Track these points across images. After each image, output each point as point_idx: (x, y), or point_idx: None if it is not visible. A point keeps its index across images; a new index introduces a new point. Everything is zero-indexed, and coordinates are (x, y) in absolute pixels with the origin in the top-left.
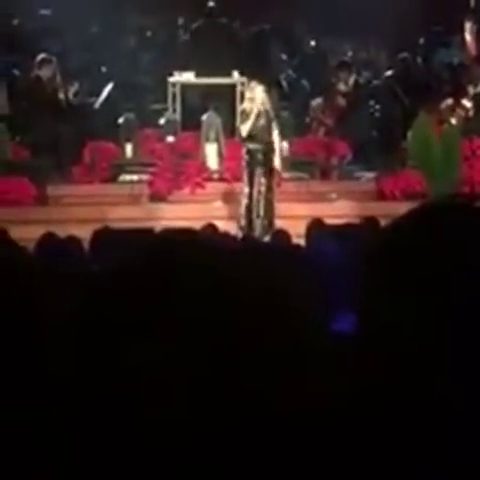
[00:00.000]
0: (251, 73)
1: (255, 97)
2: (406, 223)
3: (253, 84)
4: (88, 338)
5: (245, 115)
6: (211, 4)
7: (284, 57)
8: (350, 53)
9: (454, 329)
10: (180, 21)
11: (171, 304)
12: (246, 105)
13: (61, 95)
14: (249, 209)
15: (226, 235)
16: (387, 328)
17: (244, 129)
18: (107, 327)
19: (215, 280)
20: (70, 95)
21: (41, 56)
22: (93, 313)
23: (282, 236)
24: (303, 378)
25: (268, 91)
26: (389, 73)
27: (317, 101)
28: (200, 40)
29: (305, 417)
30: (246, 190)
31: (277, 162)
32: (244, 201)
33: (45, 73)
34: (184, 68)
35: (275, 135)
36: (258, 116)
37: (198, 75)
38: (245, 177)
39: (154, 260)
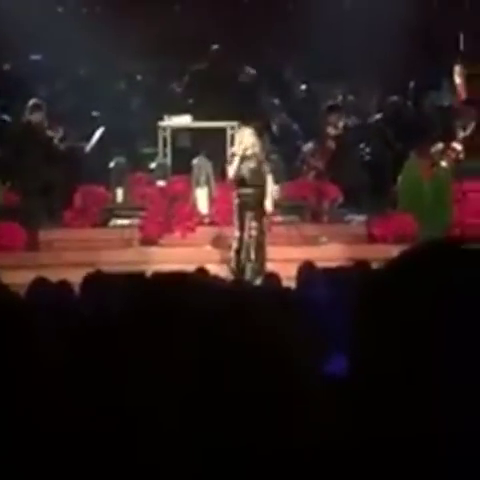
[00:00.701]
0: (242, 117)
1: (243, 141)
2: (396, 266)
3: (242, 127)
4: (79, 381)
5: (232, 158)
6: (215, 47)
7: (275, 101)
8: (340, 97)
9: (441, 371)
10: (170, 65)
11: (161, 346)
12: (235, 148)
13: (50, 140)
14: (239, 253)
15: (217, 278)
16: (375, 370)
17: (230, 170)
18: (99, 369)
19: (205, 322)
20: (55, 141)
21: (32, 101)
22: (84, 357)
23: (273, 279)
24: (296, 418)
25: (259, 135)
26: (378, 116)
27: (308, 145)
28: (200, 83)
29: (297, 455)
30: (237, 234)
31: (269, 205)
32: (235, 245)
33: (36, 118)
34: (177, 112)
35: (267, 178)
36: (247, 159)
37: (195, 119)
38: (236, 221)
39: (143, 303)
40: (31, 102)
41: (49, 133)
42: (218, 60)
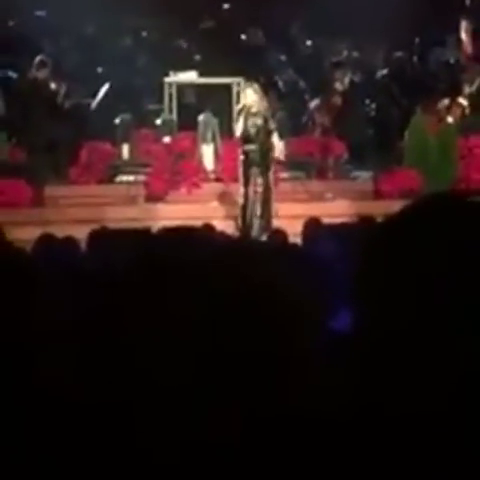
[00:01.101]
0: (246, 74)
1: (248, 97)
2: (399, 219)
3: (246, 85)
4: (85, 340)
5: (237, 115)
6: (226, 7)
7: (281, 58)
8: (345, 53)
9: (450, 324)
10: (175, 22)
11: (162, 300)
12: (240, 105)
13: (56, 96)
14: (246, 209)
15: (223, 234)
16: (380, 324)
17: (237, 128)
18: (103, 329)
19: (206, 277)
20: (60, 97)
21: (39, 58)
22: (89, 315)
23: (279, 235)
24: (299, 375)
25: (265, 92)
26: (384, 72)
27: (315, 101)
28: (207, 40)
29: (303, 414)
30: (242, 190)
31: (278, 152)
32: (241, 201)
33: (42, 75)
34: (183, 68)
35: (273, 135)
36: (253, 116)
37: (201, 75)
38: (241, 177)
39: (147, 258)
40: (37, 59)
41: (54, 89)
42: (226, 19)
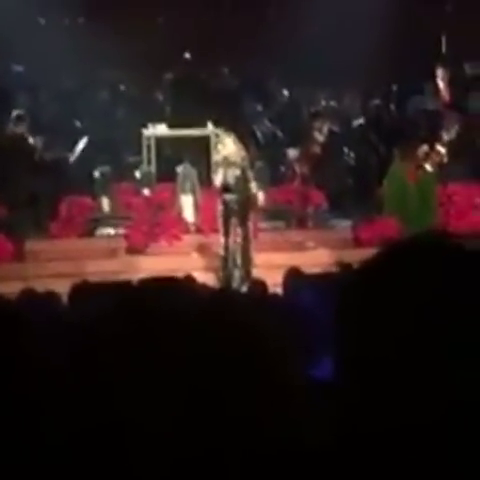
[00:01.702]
0: (224, 124)
1: (226, 148)
2: (375, 262)
3: (222, 135)
4: (71, 386)
5: (216, 166)
6: (187, 56)
7: (259, 108)
8: (323, 102)
9: (431, 365)
10: (152, 74)
11: (145, 351)
12: (216, 156)
13: (35, 151)
14: (226, 260)
15: (204, 286)
16: (361, 366)
17: (216, 179)
18: (89, 375)
19: (188, 327)
20: (38, 147)
21: (16, 113)
22: (75, 363)
23: (259, 286)
24: (282, 417)
25: (242, 142)
26: (360, 121)
27: (293, 151)
28: (174, 92)
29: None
30: (222, 241)
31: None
32: (222, 252)
33: (19, 130)
34: (158, 121)
35: (252, 185)
36: (231, 166)
37: (171, 127)
38: (221, 228)
39: (126, 309)
40: (15, 113)
41: (32, 144)
42: (194, 68)
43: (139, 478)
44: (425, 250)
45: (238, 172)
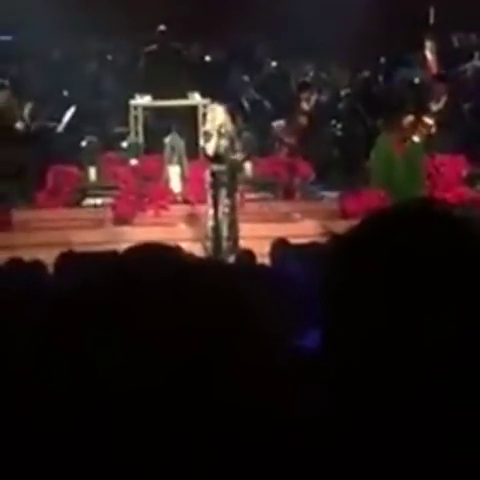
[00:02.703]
0: (212, 95)
1: (216, 118)
2: (361, 230)
3: (213, 105)
4: (53, 355)
5: (208, 135)
6: (162, 28)
7: (246, 78)
8: (311, 73)
9: (420, 334)
10: (138, 45)
11: (132, 319)
12: (208, 126)
13: (19, 119)
14: (214, 230)
15: (191, 256)
16: (348, 337)
17: (209, 147)
18: (72, 342)
19: (173, 296)
20: (25, 116)
21: None
22: (57, 329)
23: (247, 256)
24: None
25: (230, 113)
26: (348, 91)
27: (279, 122)
28: (153, 64)
29: (275, 431)
30: (210, 212)
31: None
32: (209, 223)
33: (1, 98)
34: (142, 91)
35: (238, 156)
36: (220, 137)
37: (155, 98)
38: (209, 199)
39: (110, 277)
40: None
41: (17, 111)
42: (178, 39)
43: (122, 454)
44: (412, 216)
45: (227, 143)
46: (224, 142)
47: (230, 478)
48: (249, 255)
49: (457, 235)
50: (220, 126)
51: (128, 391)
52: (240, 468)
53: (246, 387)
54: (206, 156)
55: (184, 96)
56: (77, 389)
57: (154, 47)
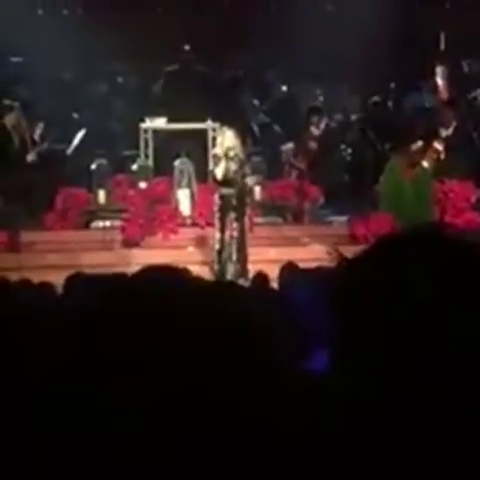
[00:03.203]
0: (222, 118)
1: (225, 141)
2: (369, 255)
3: (224, 129)
4: (63, 374)
5: (217, 159)
6: (186, 48)
7: (256, 102)
8: (321, 98)
9: (418, 354)
10: (151, 67)
11: (141, 339)
12: (217, 150)
13: (28, 141)
14: (221, 254)
15: (199, 278)
16: (353, 359)
17: (218, 172)
18: (81, 363)
19: (182, 317)
20: (36, 137)
21: (3, 103)
22: (67, 351)
23: (260, 279)
24: (270, 404)
25: (240, 136)
26: (359, 116)
27: (289, 145)
28: (173, 85)
29: (276, 455)
30: (218, 235)
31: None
32: (216, 246)
33: (9, 121)
34: (156, 114)
35: (248, 180)
36: (230, 160)
37: (170, 121)
38: (217, 222)
39: (120, 297)
40: (4, 103)
41: (28, 133)
42: (192, 62)
43: (125, 457)
44: (422, 241)
45: (236, 166)
46: (233, 166)
47: None
48: (262, 278)
49: (468, 260)
50: (229, 149)
51: (132, 407)
52: None
53: (253, 409)
54: (215, 179)
55: (201, 119)
56: (86, 406)
57: (176, 67)
